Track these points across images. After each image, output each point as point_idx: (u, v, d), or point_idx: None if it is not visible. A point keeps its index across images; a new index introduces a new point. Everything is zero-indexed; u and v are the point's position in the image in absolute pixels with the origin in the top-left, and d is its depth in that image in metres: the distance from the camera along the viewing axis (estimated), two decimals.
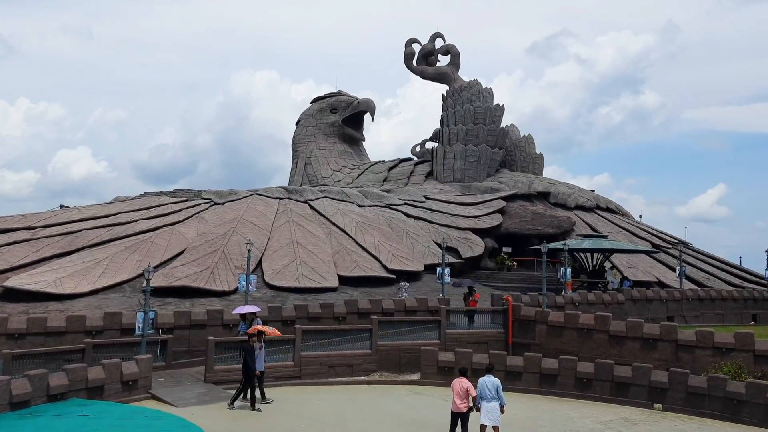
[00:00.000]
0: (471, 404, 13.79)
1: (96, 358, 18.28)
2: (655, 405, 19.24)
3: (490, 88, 56.99)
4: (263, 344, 17.62)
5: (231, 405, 16.56)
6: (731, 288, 40.59)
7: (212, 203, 42.38)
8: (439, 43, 62.23)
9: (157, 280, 29.91)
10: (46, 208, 73.13)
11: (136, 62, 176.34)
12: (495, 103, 56.08)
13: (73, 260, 32.63)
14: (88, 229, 36.95)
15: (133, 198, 45.45)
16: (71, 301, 28.30)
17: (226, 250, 34.84)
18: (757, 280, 48.04)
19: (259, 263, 34.12)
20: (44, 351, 18.43)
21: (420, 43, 62.41)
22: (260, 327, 18.13)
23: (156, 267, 32.30)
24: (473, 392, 13.73)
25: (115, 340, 20.09)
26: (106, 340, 20.05)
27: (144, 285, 18.95)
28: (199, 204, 42.19)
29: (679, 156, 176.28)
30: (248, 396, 16.72)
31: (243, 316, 21.89)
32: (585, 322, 23.28)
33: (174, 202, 42.51)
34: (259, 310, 22.55)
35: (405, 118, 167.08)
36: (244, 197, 43.41)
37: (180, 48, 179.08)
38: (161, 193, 46.10)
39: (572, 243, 34.64)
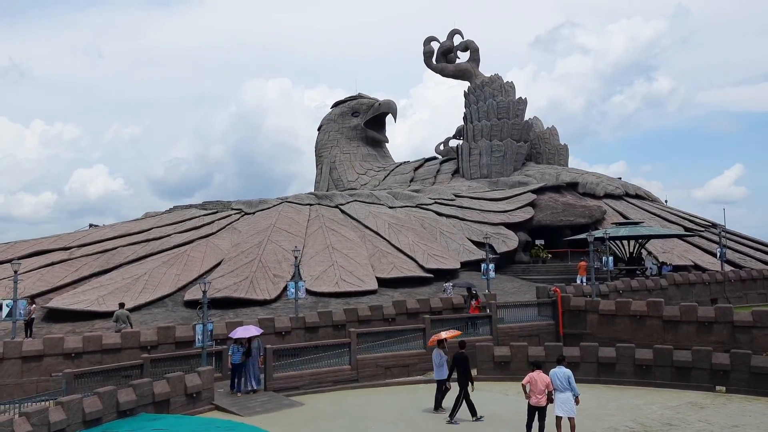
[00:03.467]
0: (548, 398, 13.69)
1: (154, 373, 18.36)
2: (718, 387, 18.98)
3: (512, 81, 56.73)
4: (445, 352, 17.12)
5: (451, 419, 15.70)
6: None
7: (243, 213, 42.59)
8: (457, 40, 61.99)
9: (198, 293, 30.01)
10: (65, 229, 74.02)
11: (147, 78, 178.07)
12: (517, 96, 55.81)
13: (112, 277, 32.92)
14: (123, 246, 37.26)
15: (163, 213, 45.80)
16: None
17: (263, 259, 34.94)
18: None
19: (296, 270, 34.15)
20: (103, 369, 18.54)
21: (438, 41, 62.26)
22: (443, 334, 17.64)
23: (194, 280, 32.56)
24: (551, 387, 13.62)
25: (172, 353, 20.18)
26: (163, 354, 20.15)
27: (201, 297, 18.98)
28: (230, 215, 42.41)
29: (695, 139, 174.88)
30: (461, 406, 15.89)
31: (240, 340, 19.20)
32: (637, 309, 23.05)
33: (205, 215, 42.76)
34: (261, 331, 20.44)
35: (420, 119, 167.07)
36: (275, 206, 43.55)
37: (190, 61, 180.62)
38: (191, 206, 46.38)
39: (610, 231, 34.31)
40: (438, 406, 16.68)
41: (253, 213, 42.38)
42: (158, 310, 30.17)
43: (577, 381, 19.82)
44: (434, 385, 17.20)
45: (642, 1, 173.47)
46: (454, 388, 16.22)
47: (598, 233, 32.04)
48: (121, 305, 25.27)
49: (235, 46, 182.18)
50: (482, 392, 19.15)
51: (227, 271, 33.54)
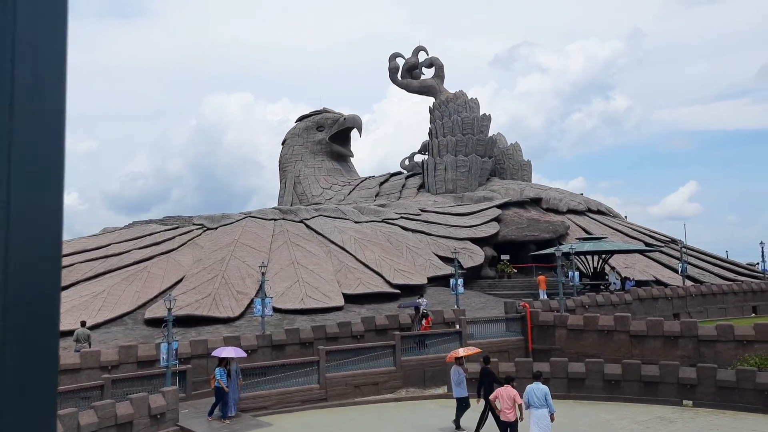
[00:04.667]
0: (518, 412, 13.62)
1: (116, 394, 17.69)
2: (685, 401, 19.15)
3: (476, 98, 57.29)
4: (464, 369, 16.82)
5: None
6: (729, 282, 40.95)
7: (205, 228, 41.76)
8: (422, 57, 62.43)
9: (159, 311, 29.25)
10: None
11: (104, 91, 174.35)
12: (481, 113, 56.33)
13: (69, 295, 31.83)
14: (81, 262, 36.15)
15: (122, 228, 44.66)
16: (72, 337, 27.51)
17: (226, 276, 34.25)
18: (750, 272, 48.64)
19: (261, 286, 33.56)
20: (62, 390, 17.75)
21: (403, 57, 62.57)
22: (460, 351, 17.40)
23: (155, 297, 31.74)
24: (519, 400, 13.58)
25: (135, 373, 19.49)
26: (125, 374, 19.43)
27: (163, 315, 18.38)
28: (192, 230, 41.53)
29: (651, 156, 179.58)
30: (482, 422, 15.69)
31: (223, 360, 18.48)
32: (605, 324, 23.19)
33: (165, 230, 41.82)
34: (245, 355, 19.56)
35: (384, 134, 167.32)
36: (238, 221, 42.84)
37: (149, 75, 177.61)
38: (151, 221, 45.36)
39: (575, 246, 34.68)
40: (458, 426, 16.39)
41: (216, 228, 41.60)
42: (118, 328, 29.24)
43: None
44: (404, 404, 16.95)
45: (599, 22, 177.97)
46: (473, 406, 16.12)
47: (565, 248, 32.30)
48: (83, 324, 24.38)
49: (196, 60, 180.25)
50: (452, 409, 18.98)
51: (189, 288, 32.74)
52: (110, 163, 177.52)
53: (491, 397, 14.61)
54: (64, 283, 33.12)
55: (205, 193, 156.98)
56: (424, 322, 24.92)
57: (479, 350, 18.59)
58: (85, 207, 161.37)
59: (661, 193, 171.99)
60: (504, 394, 13.60)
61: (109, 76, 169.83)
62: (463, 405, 16.44)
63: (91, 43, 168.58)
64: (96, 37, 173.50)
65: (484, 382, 15.89)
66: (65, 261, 36.22)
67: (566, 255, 30.81)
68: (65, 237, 45.13)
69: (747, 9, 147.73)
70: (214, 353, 19.29)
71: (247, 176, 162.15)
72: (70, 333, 27.71)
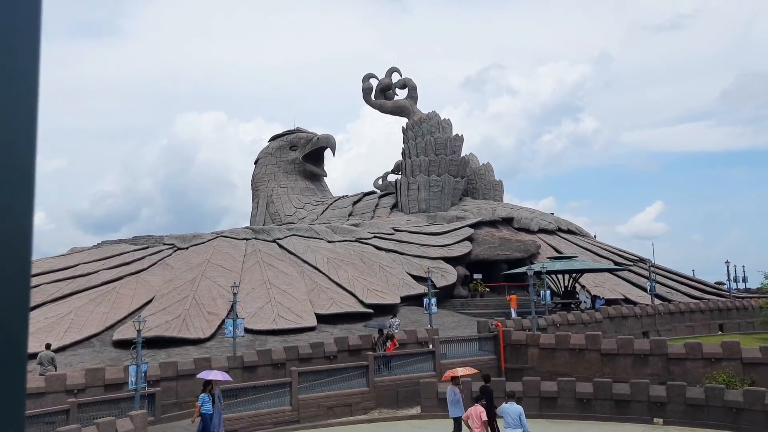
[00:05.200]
0: (486, 430, 13.71)
1: (82, 418, 17.27)
2: (656, 419, 19.33)
3: (449, 119, 57.81)
4: (460, 389, 16.72)
5: None
6: (696, 300, 41.62)
7: (176, 248, 41.26)
8: (395, 78, 62.90)
9: (127, 332, 28.74)
10: None
11: (74, 109, 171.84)
12: (454, 133, 56.84)
13: (35, 317, 31.07)
14: (47, 283, 35.39)
15: (90, 248, 43.91)
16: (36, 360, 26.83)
17: (197, 296, 33.81)
18: (716, 290, 49.48)
19: (233, 307, 33.19)
20: (26, 414, 17.24)
21: (377, 78, 62.96)
22: (459, 371, 17.33)
23: (124, 318, 31.21)
24: (484, 417, 13.68)
25: (102, 397, 19.03)
26: (92, 398, 18.97)
27: (132, 336, 18.04)
28: (162, 250, 41.01)
29: (618, 177, 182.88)
30: None
31: (208, 383, 17.64)
32: (576, 343, 23.36)
33: (135, 250, 41.26)
34: (230, 379, 19.06)
35: (357, 154, 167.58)
36: (209, 240, 42.42)
37: (120, 93, 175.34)
38: (120, 241, 44.71)
39: (547, 265, 34.98)
40: None
41: (187, 248, 41.13)
42: (85, 350, 28.65)
43: None
44: (378, 425, 16.84)
45: (567, 46, 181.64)
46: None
47: (537, 266, 32.56)
48: (48, 346, 23.79)
49: (168, 79, 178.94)
50: (427, 430, 18.90)
51: (159, 309, 32.23)
52: (79, 182, 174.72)
53: (464, 417, 14.63)
54: (30, 305, 32.35)
55: (175, 213, 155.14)
56: (389, 343, 24.69)
57: (477, 371, 18.63)
58: (53, 226, 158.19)
59: (629, 213, 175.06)
60: (473, 414, 13.70)
61: (79, 95, 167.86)
62: (459, 425, 16.39)
63: (61, 61, 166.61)
64: (67, 56, 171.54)
65: (486, 400, 15.90)
66: (31, 282, 35.42)
67: (538, 274, 31.06)
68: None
69: (707, 35, 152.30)
70: (199, 375, 18.47)
71: (218, 196, 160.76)
72: (33, 356, 27.13)
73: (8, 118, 0.89)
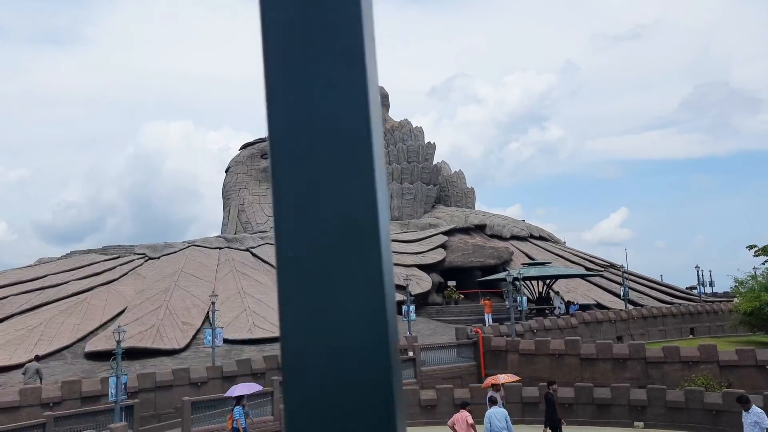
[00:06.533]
0: None
1: None
2: (636, 423, 19.55)
3: (421, 127, 58.13)
4: (501, 395, 16.53)
5: None
6: (668, 305, 42.36)
7: (147, 258, 40.56)
8: None
9: (100, 344, 28.15)
10: None
11: (36, 118, 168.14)
12: (426, 141, 57.13)
13: (3, 329, 30.29)
14: (15, 294, 34.49)
15: (59, 258, 42.91)
16: (8, 374, 26.06)
17: (170, 306, 33.26)
18: (686, 295, 50.48)
19: (207, 317, 32.74)
20: (0, 430, 16.75)
21: None
22: (498, 378, 17.32)
23: (96, 329, 30.57)
24: (470, 420, 13.73)
25: (79, 410, 18.53)
26: (69, 411, 18.46)
27: (105, 348, 17.65)
28: (133, 260, 40.28)
29: (584, 184, 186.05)
30: None
31: (241, 397, 17.60)
32: (556, 348, 23.55)
33: (105, 260, 40.44)
34: (260, 388, 19.08)
35: None
36: (181, 249, 41.80)
37: (83, 102, 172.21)
38: (90, 251, 43.76)
39: (523, 271, 35.28)
40: None
41: (158, 258, 40.46)
42: (56, 363, 27.88)
43: None
44: None
45: (534, 56, 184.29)
46: None
47: (515, 272, 32.79)
48: (37, 357, 23.17)
49: (133, 88, 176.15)
50: None
51: (132, 320, 31.56)
52: (41, 192, 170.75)
53: (449, 423, 14.62)
54: None
55: (141, 223, 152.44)
56: None
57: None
58: (15, 237, 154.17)
59: (594, 219, 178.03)
60: (460, 419, 13.74)
61: (41, 103, 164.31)
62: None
63: (22, 70, 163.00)
64: (28, 63, 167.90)
65: (548, 408, 16.13)
66: None
67: (514, 281, 31.32)
68: None
69: (666, 45, 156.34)
70: (227, 393, 18.32)
71: (185, 205, 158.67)
72: (4, 369, 26.36)
73: None
